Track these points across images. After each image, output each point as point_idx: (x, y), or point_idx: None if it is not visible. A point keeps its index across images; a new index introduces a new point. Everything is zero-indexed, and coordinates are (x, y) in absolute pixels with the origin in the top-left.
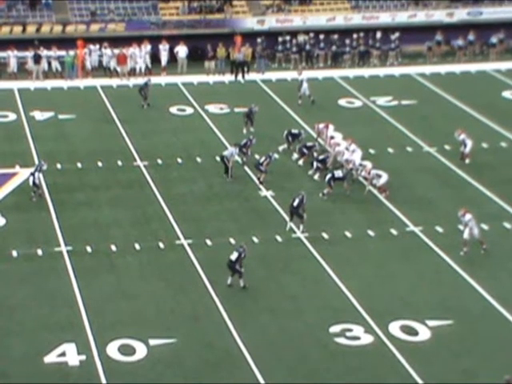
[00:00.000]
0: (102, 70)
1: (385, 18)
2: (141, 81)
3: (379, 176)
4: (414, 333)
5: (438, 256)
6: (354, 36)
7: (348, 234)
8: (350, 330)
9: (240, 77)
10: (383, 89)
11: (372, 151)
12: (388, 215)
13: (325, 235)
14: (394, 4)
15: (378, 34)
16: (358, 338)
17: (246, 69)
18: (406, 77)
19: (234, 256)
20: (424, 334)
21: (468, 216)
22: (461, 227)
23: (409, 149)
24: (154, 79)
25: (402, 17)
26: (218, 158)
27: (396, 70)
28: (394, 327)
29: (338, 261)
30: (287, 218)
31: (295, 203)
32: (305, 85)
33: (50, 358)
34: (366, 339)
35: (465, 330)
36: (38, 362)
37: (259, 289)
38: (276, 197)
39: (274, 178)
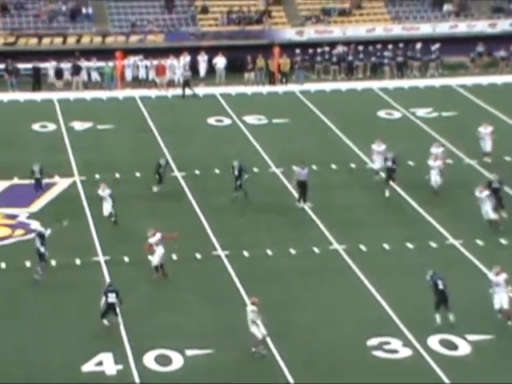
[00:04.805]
0: (141, 81)
1: (425, 28)
2: (179, 92)
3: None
4: (454, 347)
5: (477, 269)
6: (390, 47)
7: (386, 246)
8: (388, 343)
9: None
10: (423, 100)
11: (411, 163)
12: (426, 228)
13: (362, 247)
14: (435, 15)
15: (418, 45)
16: (396, 352)
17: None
18: (446, 88)
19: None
20: (464, 348)
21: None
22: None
23: (449, 161)
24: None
25: (443, 27)
26: (255, 170)
27: (436, 81)
28: (433, 341)
29: (375, 273)
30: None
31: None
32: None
33: (88, 366)
34: (405, 353)
35: (506, 344)
36: (76, 371)
37: (296, 301)
38: (314, 208)
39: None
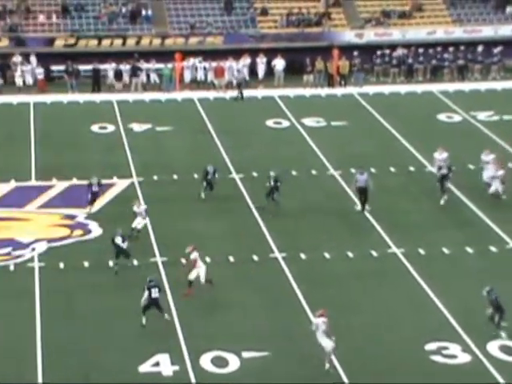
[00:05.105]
0: (199, 82)
1: (487, 31)
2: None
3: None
4: None
5: None
6: (450, 49)
7: (445, 250)
8: (447, 348)
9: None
10: (484, 103)
11: (471, 167)
12: (486, 232)
13: (421, 251)
14: (498, 17)
15: (480, 48)
16: (454, 357)
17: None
18: (508, 91)
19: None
20: None
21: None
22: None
23: (510, 165)
24: (251, 92)
25: (506, 30)
26: (313, 172)
27: (498, 85)
28: (493, 347)
29: (434, 277)
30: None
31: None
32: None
33: (145, 367)
34: (464, 358)
35: None
36: (133, 372)
37: (354, 304)
38: (372, 211)
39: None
